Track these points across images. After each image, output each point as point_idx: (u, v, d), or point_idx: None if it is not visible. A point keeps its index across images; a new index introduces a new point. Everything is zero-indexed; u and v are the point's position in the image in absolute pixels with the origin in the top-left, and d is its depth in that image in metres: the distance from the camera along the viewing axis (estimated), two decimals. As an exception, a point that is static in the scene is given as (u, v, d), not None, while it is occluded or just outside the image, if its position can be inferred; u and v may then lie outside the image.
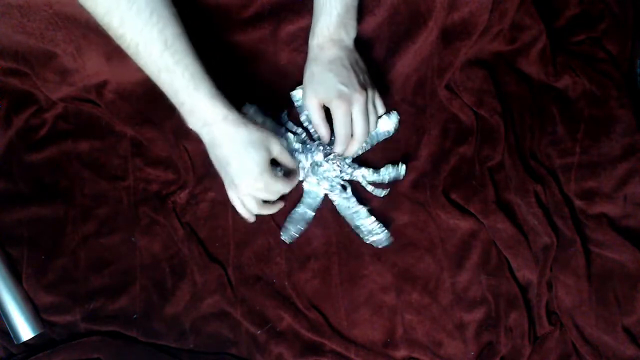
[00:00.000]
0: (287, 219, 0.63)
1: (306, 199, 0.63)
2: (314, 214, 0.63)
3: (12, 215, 0.65)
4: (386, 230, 0.61)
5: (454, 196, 0.63)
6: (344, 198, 0.62)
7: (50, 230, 0.65)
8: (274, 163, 0.57)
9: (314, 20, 0.56)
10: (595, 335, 0.58)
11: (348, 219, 0.62)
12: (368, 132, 0.57)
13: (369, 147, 0.64)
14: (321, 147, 0.61)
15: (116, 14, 0.47)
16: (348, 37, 0.56)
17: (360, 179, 0.62)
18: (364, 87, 0.55)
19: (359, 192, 0.63)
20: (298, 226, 0.63)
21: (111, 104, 0.64)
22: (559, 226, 0.61)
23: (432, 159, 0.64)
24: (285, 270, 0.64)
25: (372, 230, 0.61)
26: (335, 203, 0.62)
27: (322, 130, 0.59)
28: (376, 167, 0.63)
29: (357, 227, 0.62)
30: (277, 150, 0.56)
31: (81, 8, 0.49)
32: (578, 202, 0.61)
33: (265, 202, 0.59)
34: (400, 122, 0.63)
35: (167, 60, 0.49)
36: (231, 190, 0.57)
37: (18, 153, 0.66)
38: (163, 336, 0.64)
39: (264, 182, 0.54)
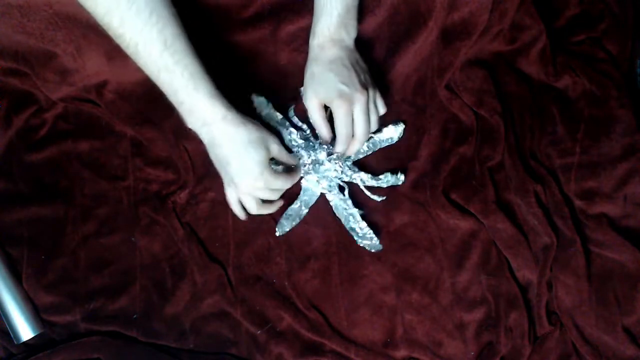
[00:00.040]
0: (284, 215, 0.63)
1: (303, 196, 0.63)
2: (307, 210, 0.63)
3: (12, 215, 0.65)
4: (376, 238, 0.62)
5: (454, 196, 0.63)
6: (341, 199, 0.62)
7: (50, 230, 0.65)
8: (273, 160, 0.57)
9: (314, 21, 0.56)
10: (595, 335, 0.58)
11: (343, 220, 0.62)
12: (369, 131, 0.57)
13: (371, 152, 0.64)
14: (324, 147, 0.61)
15: (116, 14, 0.47)
16: (349, 37, 0.56)
17: (358, 182, 0.62)
18: (365, 87, 0.55)
19: (355, 195, 0.63)
20: (293, 222, 0.63)
21: (111, 104, 0.64)
22: (559, 226, 0.61)
23: (432, 159, 0.64)
24: (285, 270, 0.64)
25: (364, 234, 0.62)
26: (331, 203, 0.63)
27: (323, 131, 0.59)
28: (374, 166, 0.63)
29: (352, 228, 0.62)
30: (276, 150, 0.56)
31: (81, 8, 0.49)
32: (578, 202, 0.61)
33: (264, 201, 0.59)
34: (404, 130, 0.63)
35: (166, 60, 0.49)
36: (230, 189, 0.57)
37: (18, 153, 0.66)
38: (163, 336, 0.64)
39: (264, 181, 0.54)
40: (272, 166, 0.59)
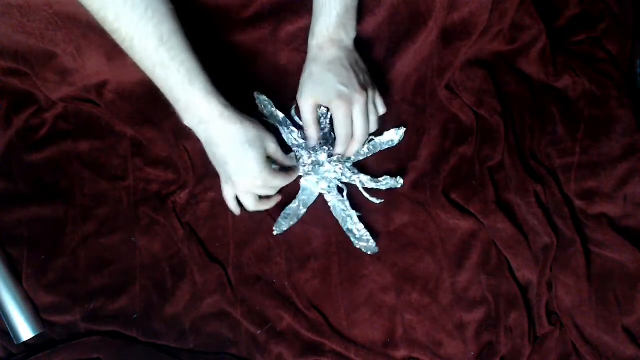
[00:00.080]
0: (282, 214, 0.63)
1: (301, 196, 0.63)
2: (305, 210, 0.63)
3: (12, 215, 0.65)
4: (373, 240, 0.61)
5: (454, 196, 0.63)
6: (339, 200, 0.62)
7: (50, 230, 0.65)
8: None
9: (313, 21, 0.56)
10: (595, 335, 0.59)
11: (340, 221, 0.62)
12: (368, 132, 0.57)
13: (371, 154, 0.64)
14: (325, 148, 0.61)
15: (111, 9, 0.47)
16: (348, 37, 0.56)
17: (357, 184, 0.62)
18: (364, 88, 0.55)
19: (354, 197, 0.63)
20: (290, 222, 0.63)
21: (111, 104, 0.64)
22: (559, 226, 0.61)
23: (432, 159, 0.64)
24: (285, 270, 0.64)
25: (361, 236, 0.62)
26: (329, 204, 0.63)
27: (312, 131, 0.58)
28: (374, 166, 0.63)
29: (349, 230, 0.62)
30: (273, 149, 0.56)
31: (81, 8, 0.49)
32: (578, 202, 0.61)
33: (262, 197, 0.59)
34: (405, 134, 0.63)
35: (162, 55, 0.49)
36: (227, 186, 0.57)
37: (18, 153, 0.66)
38: (163, 336, 0.64)
39: (262, 180, 0.54)
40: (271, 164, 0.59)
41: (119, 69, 0.61)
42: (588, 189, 0.61)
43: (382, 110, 0.59)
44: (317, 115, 0.59)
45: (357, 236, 0.62)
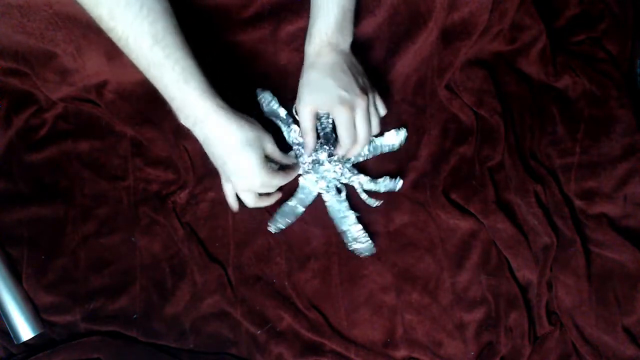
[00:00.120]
0: (278, 211, 0.63)
1: (299, 194, 0.63)
2: (304, 209, 0.63)
3: (12, 215, 0.65)
4: (370, 241, 0.61)
5: (454, 196, 0.63)
6: (337, 200, 0.62)
7: (50, 230, 0.65)
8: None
9: (310, 26, 0.55)
10: (595, 335, 0.59)
11: (336, 222, 0.62)
12: (371, 134, 0.57)
13: (371, 156, 0.64)
14: (326, 147, 0.61)
15: (105, 6, 0.47)
16: (345, 42, 0.56)
17: (356, 185, 0.62)
18: (364, 91, 0.55)
19: (352, 198, 0.63)
20: (287, 219, 0.63)
21: (111, 104, 0.64)
22: (559, 226, 0.61)
23: (432, 159, 0.64)
24: (285, 270, 0.64)
25: (357, 238, 0.61)
26: (327, 204, 0.62)
27: (309, 139, 0.58)
28: (374, 166, 0.63)
29: (344, 231, 0.62)
30: (270, 149, 0.55)
31: (81, 8, 0.49)
32: (578, 202, 0.61)
33: (262, 193, 0.59)
34: (406, 137, 0.63)
35: (157, 54, 0.49)
36: (227, 183, 0.57)
37: (18, 153, 0.66)
38: (163, 336, 0.64)
39: (260, 180, 0.54)
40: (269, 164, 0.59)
41: (119, 69, 0.61)
42: (588, 189, 0.61)
43: (382, 111, 0.59)
44: (318, 116, 0.59)
45: (354, 237, 0.62)
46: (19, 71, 0.64)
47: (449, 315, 0.62)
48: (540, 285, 0.61)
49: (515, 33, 0.64)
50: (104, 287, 0.64)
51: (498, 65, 0.66)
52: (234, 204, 0.60)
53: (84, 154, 0.66)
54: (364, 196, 0.62)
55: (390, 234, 0.64)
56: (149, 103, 0.64)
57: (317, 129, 0.62)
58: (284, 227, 0.63)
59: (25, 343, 0.63)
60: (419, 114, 0.65)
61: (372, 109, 0.56)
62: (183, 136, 0.64)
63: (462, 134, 0.64)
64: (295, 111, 0.63)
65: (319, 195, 0.63)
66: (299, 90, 0.57)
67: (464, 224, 0.63)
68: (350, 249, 0.62)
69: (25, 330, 0.62)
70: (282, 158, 0.58)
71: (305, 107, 0.56)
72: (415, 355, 0.62)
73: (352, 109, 0.54)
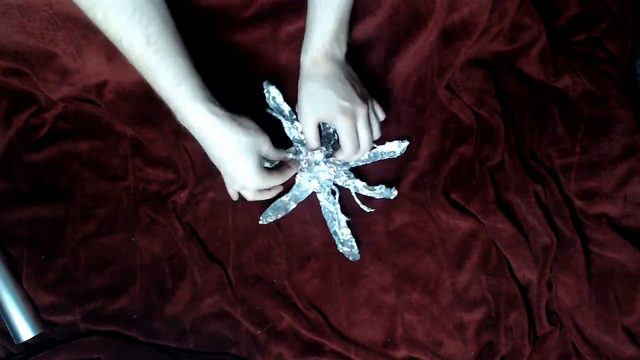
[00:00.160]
0: (271, 205, 0.63)
1: (294, 191, 0.63)
2: (295, 206, 0.63)
3: (12, 215, 0.65)
4: (356, 247, 0.62)
5: (454, 196, 0.63)
6: (330, 202, 0.62)
7: (50, 230, 0.65)
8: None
9: (306, 36, 0.55)
10: (595, 335, 0.58)
11: (328, 222, 0.62)
12: (372, 140, 0.57)
13: (370, 162, 0.64)
14: (323, 148, 0.61)
15: (100, 9, 0.47)
16: (341, 52, 0.56)
17: (351, 189, 0.62)
18: (364, 99, 0.55)
19: (346, 201, 0.63)
20: (278, 215, 0.63)
21: (111, 104, 0.64)
22: (559, 226, 0.61)
23: (432, 159, 0.64)
24: (285, 270, 0.64)
25: (345, 241, 0.62)
26: (321, 204, 0.63)
27: (314, 148, 0.59)
28: (372, 166, 0.63)
29: (334, 232, 0.62)
30: (266, 150, 0.55)
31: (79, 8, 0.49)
32: (578, 202, 0.61)
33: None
34: (407, 147, 0.63)
35: (150, 57, 0.49)
36: (227, 178, 0.58)
37: (18, 153, 0.66)
38: (163, 336, 0.64)
39: (256, 183, 0.54)
40: (266, 164, 0.59)
41: (119, 69, 0.61)
42: (588, 189, 0.61)
43: (381, 116, 0.59)
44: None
45: (341, 240, 0.62)
46: (19, 71, 0.64)
47: (449, 315, 0.62)
48: (540, 285, 0.61)
49: (515, 33, 0.64)
50: (104, 287, 0.64)
51: (498, 65, 0.66)
52: (234, 195, 0.61)
53: (84, 154, 0.66)
54: (357, 200, 0.62)
55: (390, 234, 0.64)
56: (149, 103, 0.64)
57: (319, 128, 0.62)
58: (272, 221, 0.63)
59: (25, 343, 0.63)
60: (419, 114, 0.65)
61: (372, 115, 0.57)
62: (183, 136, 0.64)
63: (462, 134, 0.64)
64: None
65: (315, 194, 0.63)
66: (299, 102, 0.57)
67: (464, 224, 0.63)
68: (340, 251, 0.62)
69: (25, 330, 0.62)
70: (279, 155, 0.58)
71: (308, 119, 0.56)
72: (415, 355, 0.62)
73: (353, 117, 0.54)
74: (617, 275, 0.59)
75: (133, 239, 0.65)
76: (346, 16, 0.55)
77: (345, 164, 0.62)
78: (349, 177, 0.62)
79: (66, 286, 0.64)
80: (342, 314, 0.63)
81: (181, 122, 0.53)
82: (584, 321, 0.59)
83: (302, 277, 0.63)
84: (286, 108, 0.62)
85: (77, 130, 0.67)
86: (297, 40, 0.62)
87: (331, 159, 0.61)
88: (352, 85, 0.55)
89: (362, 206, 0.62)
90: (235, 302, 0.63)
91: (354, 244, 0.62)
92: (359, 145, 0.56)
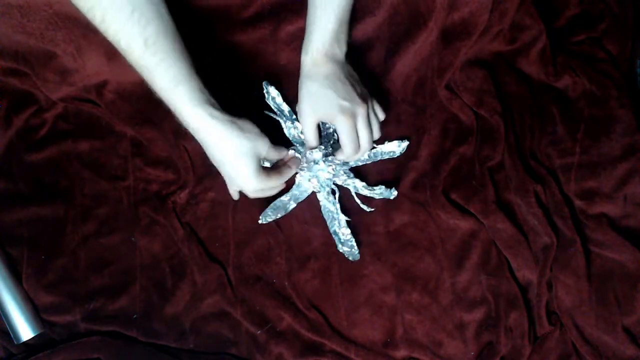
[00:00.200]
0: (271, 205, 0.63)
1: (294, 190, 0.63)
2: (295, 205, 0.63)
3: (12, 215, 0.65)
4: (356, 247, 0.62)
5: (454, 196, 0.63)
6: (330, 202, 0.62)
7: (50, 230, 0.65)
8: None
9: (306, 36, 0.56)
10: (595, 335, 0.58)
11: (328, 222, 0.62)
12: (372, 140, 0.57)
13: (370, 162, 0.64)
14: (322, 147, 0.61)
15: (98, 10, 0.47)
16: (341, 51, 0.56)
17: (351, 189, 0.62)
18: (363, 99, 0.55)
19: (346, 201, 0.63)
20: (278, 214, 0.63)
21: (111, 104, 0.64)
22: (559, 226, 0.61)
23: (432, 159, 0.64)
24: (285, 270, 0.64)
25: (345, 241, 0.62)
26: (321, 204, 0.63)
27: (313, 146, 0.59)
28: (372, 166, 0.63)
29: (334, 232, 0.62)
30: (265, 152, 0.55)
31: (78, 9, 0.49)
32: (578, 202, 0.61)
33: None
34: (407, 146, 0.63)
35: (148, 58, 0.49)
36: (227, 180, 0.58)
37: (18, 153, 0.66)
38: (163, 336, 0.64)
39: (255, 186, 0.54)
40: (265, 163, 0.59)
41: (119, 69, 0.61)
42: (588, 189, 0.61)
43: (381, 116, 0.59)
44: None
45: (341, 240, 0.62)
46: (19, 71, 0.64)
47: (449, 315, 0.62)
48: (540, 285, 0.61)
49: (515, 33, 0.64)
50: (104, 287, 0.64)
51: (498, 65, 0.66)
52: (234, 195, 0.61)
53: (84, 154, 0.66)
54: (357, 200, 0.62)
55: (390, 234, 0.64)
56: (149, 103, 0.64)
57: (319, 128, 0.62)
58: (272, 220, 0.63)
59: (25, 343, 0.63)
60: (419, 114, 0.65)
61: (372, 115, 0.57)
62: (183, 136, 0.64)
63: (462, 134, 0.64)
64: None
65: (315, 194, 0.63)
66: (299, 102, 0.57)
67: (464, 224, 0.63)
68: (340, 250, 0.62)
69: (25, 330, 0.62)
70: (278, 154, 0.58)
71: (308, 119, 0.56)
72: (415, 355, 0.62)
73: (353, 117, 0.54)
74: (617, 275, 0.59)
75: (133, 239, 0.65)
76: (346, 16, 0.55)
77: (345, 163, 0.62)
78: (348, 176, 0.62)
79: (66, 286, 0.64)
80: (342, 314, 0.63)
81: (181, 122, 0.53)
82: (584, 321, 0.59)
83: (302, 277, 0.63)
84: (286, 108, 0.62)
85: (77, 130, 0.67)
86: (297, 40, 0.62)
87: (330, 158, 0.61)
88: (352, 85, 0.55)
89: (362, 205, 0.62)
90: (235, 302, 0.63)
91: (354, 243, 0.62)
92: (359, 145, 0.56)
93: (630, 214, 0.60)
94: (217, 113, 0.51)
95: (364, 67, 0.63)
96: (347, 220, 0.62)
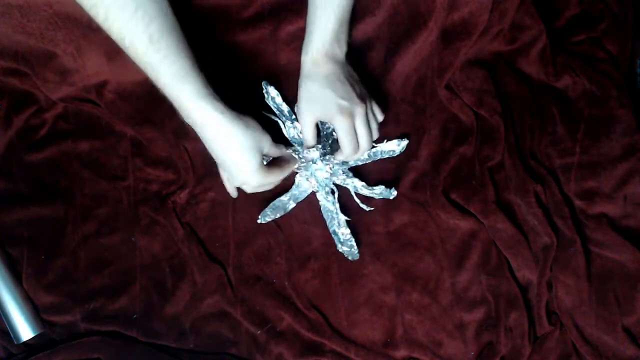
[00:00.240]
0: (270, 205, 0.63)
1: (294, 190, 0.63)
2: (294, 205, 0.63)
3: (12, 215, 0.65)
4: (356, 247, 0.62)
5: (454, 196, 0.63)
6: (329, 201, 0.62)
7: (50, 230, 0.65)
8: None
9: (306, 36, 0.56)
10: (595, 335, 0.58)
11: (327, 222, 0.62)
12: (372, 140, 0.57)
13: (370, 162, 0.64)
14: (319, 146, 0.61)
15: (101, 7, 0.47)
16: (341, 51, 0.56)
17: (350, 188, 0.62)
18: (362, 99, 0.55)
19: (346, 200, 0.63)
20: (277, 214, 0.63)
21: (111, 104, 0.64)
22: (559, 226, 0.61)
23: (432, 159, 0.64)
24: (285, 270, 0.64)
25: (344, 241, 0.62)
26: (320, 203, 0.63)
27: (311, 145, 0.59)
28: (371, 166, 0.63)
29: (334, 232, 0.62)
30: (267, 148, 0.55)
31: (81, 7, 0.49)
32: (578, 202, 0.61)
33: None
34: (407, 145, 0.63)
35: (152, 55, 0.49)
36: (225, 173, 0.58)
37: (18, 153, 0.66)
38: (163, 336, 0.64)
39: (257, 181, 0.54)
40: (264, 161, 0.59)
41: (119, 69, 0.62)
42: (588, 189, 0.61)
43: (380, 117, 0.59)
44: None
45: (341, 240, 0.62)
46: (19, 71, 0.64)
47: (449, 315, 0.62)
48: (540, 285, 0.61)
49: (515, 33, 0.64)
50: (104, 287, 0.64)
51: (498, 65, 0.66)
52: (233, 192, 0.61)
53: (84, 154, 0.66)
54: (357, 199, 0.62)
55: (390, 234, 0.64)
56: (149, 103, 0.64)
57: (318, 128, 0.62)
58: (271, 220, 0.63)
59: (25, 343, 0.63)
60: (419, 114, 0.65)
61: (370, 115, 0.57)
62: (183, 136, 0.64)
63: (462, 134, 0.64)
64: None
65: (315, 194, 0.63)
66: (298, 101, 0.57)
67: (464, 224, 0.63)
68: (339, 250, 0.62)
69: (25, 330, 0.62)
70: (279, 152, 0.58)
71: (307, 118, 0.56)
72: (415, 355, 0.62)
73: (351, 117, 0.54)
74: (617, 275, 0.59)
75: (133, 239, 0.65)
76: (346, 16, 0.55)
77: (344, 163, 0.62)
78: (347, 176, 0.62)
79: (66, 286, 0.64)
80: (342, 314, 0.63)
81: (185, 119, 0.53)
82: (584, 321, 0.59)
83: (302, 277, 0.63)
84: (285, 108, 0.62)
85: (77, 130, 0.67)
86: (297, 40, 0.62)
87: (327, 157, 0.61)
88: (352, 85, 0.56)
89: (361, 205, 0.62)
90: (235, 302, 0.63)
91: (354, 243, 0.62)
92: (358, 145, 0.56)
93: (630, 214, 0.60)
94: (222, 108, 0.51)
95: (364, 67, 0.63)
96: (346, 220, 0.62)
